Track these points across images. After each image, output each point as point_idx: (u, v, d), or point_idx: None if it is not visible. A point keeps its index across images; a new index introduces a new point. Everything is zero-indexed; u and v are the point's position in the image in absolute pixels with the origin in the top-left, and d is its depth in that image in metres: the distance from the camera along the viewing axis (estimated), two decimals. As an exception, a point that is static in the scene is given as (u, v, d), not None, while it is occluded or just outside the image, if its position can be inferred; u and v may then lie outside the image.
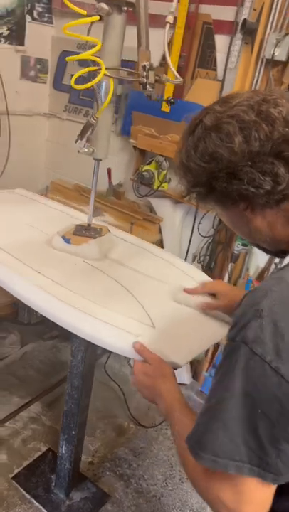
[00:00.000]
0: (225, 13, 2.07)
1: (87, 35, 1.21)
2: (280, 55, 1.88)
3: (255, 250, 2.23)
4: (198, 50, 2.22)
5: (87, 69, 1.20)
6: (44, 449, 2.04)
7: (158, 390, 0.97)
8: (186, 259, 2.37)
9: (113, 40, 1.29)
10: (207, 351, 2.45)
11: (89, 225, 1.57)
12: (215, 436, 0.70)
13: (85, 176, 2.38)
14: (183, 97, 2.28)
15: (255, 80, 2.02)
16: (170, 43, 2.25)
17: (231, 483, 0.70)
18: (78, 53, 1.16)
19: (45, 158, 3.08)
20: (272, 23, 1.91)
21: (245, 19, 1.96)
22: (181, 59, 2.24)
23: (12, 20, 2.52)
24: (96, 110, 1.33)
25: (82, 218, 1.74)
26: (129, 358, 2.06)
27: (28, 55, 2.69)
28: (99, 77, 1.18)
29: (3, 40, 2.52)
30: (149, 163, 2.37)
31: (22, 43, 2.62)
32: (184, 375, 2.52)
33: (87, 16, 1.13)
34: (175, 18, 2.17)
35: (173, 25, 2.18)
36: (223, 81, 2.12)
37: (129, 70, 1.28)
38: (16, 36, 2.58)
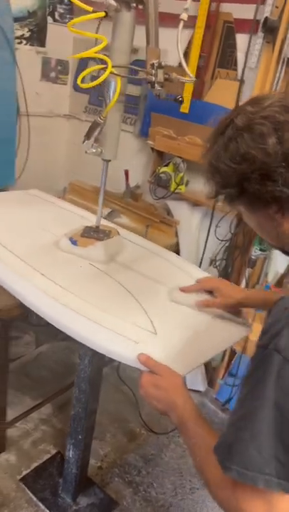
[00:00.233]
0: (246, 12, 2.01)
1: (96, 33, 1.19)
2: (302, 54, 1.82)
3: (274, 256, 2.16)
4: (219, 50, 2.17)
5: (93, 67, 1.18)
6: (53, 451, 2.02)
7: (172, 403, 0.92)
8: (201, 262, 2.32)
9: (122, 38, 1.26)
10: (223, 358, 2.39)
11: (97, 226, 1.55)
12: (244, 448, 0.68)
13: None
14: (202, 98, 2.24)
15: (276, 80, 1.95)
16: (190, 43, 2.21)
17: (259, 496, 0.68)
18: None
19: (65, 159, 3.08)
20: (294, 20, 1.84)
21: (266, 17, 1.89)
22: (201, 59, 2.20)
23: (33, 22, 2.54)
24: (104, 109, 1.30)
25: (94, 220, 1.71)
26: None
27: (49, 57, 2.70)
28: (104, 75, 1.15)
29: (24, 41, 2.54)
30: (166, 165, 2.33)
31: (43, 45, 2.64)
32: (198, 382, 2.47)
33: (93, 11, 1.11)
34: (195, 18, 2.14)
35: (192, 25, 2.16)
36: (242, 81, 2.07)
37: (137, 68, 1.24)
38: (37, 38, 2.59)
